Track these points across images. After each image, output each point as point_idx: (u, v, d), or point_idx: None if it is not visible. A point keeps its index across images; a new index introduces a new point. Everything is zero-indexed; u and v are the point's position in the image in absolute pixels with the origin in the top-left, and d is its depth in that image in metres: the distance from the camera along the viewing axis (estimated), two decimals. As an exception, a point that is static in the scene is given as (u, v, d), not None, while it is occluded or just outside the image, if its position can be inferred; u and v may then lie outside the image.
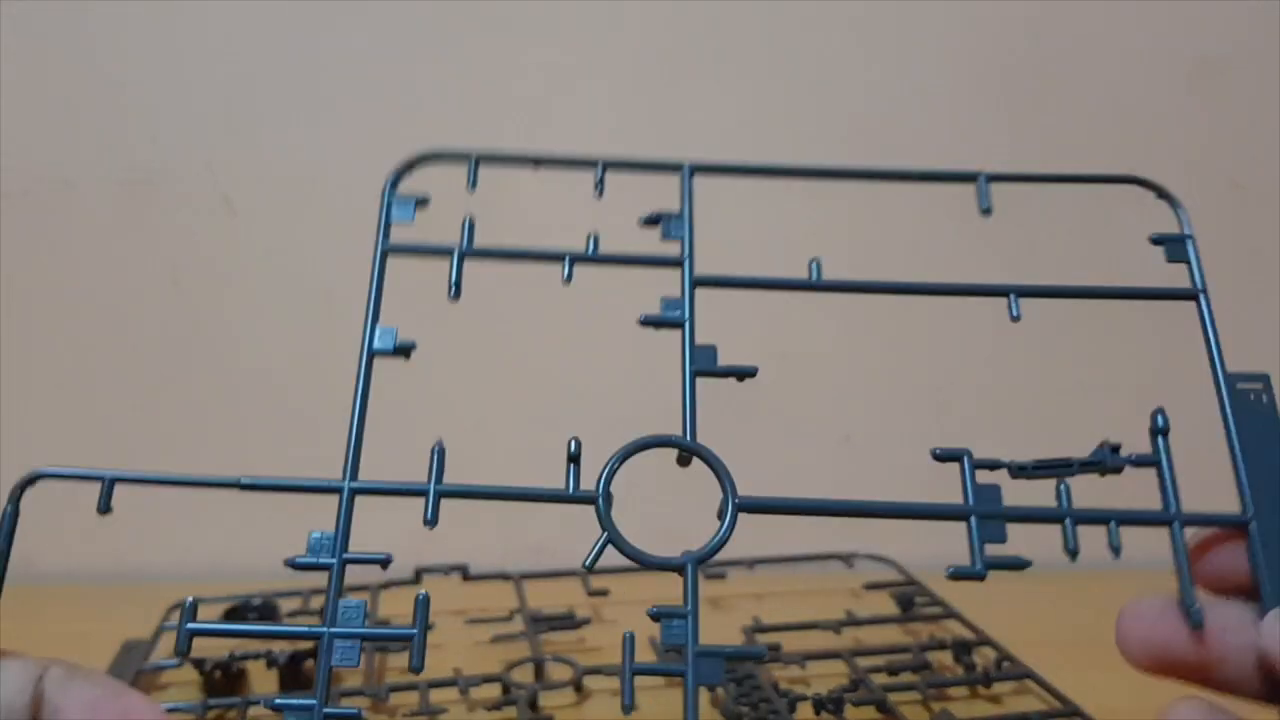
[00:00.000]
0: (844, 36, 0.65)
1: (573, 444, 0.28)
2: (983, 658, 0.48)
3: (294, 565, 0.27)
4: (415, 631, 0.26)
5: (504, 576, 0.56)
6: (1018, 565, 0.27)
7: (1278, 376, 0.30)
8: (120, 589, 0.60)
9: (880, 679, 0.46)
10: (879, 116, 0.65)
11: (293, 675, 0.46)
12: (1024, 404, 0.67)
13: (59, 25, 0.62)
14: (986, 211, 0.32)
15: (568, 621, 0.52)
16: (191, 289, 0.64)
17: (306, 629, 0.26)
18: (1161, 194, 0.32)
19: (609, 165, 0.31)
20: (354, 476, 0.27)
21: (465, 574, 0.56)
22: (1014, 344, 0.67)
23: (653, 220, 0.31)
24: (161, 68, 0.63)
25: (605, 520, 0.27)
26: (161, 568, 0.62)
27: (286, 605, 0.53)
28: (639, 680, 0.46)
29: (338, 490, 0.27)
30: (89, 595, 0.59)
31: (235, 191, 0.64)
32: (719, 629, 0.51)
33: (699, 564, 0.26)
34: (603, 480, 0.27)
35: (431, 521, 0.27)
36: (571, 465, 0.27)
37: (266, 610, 0.53)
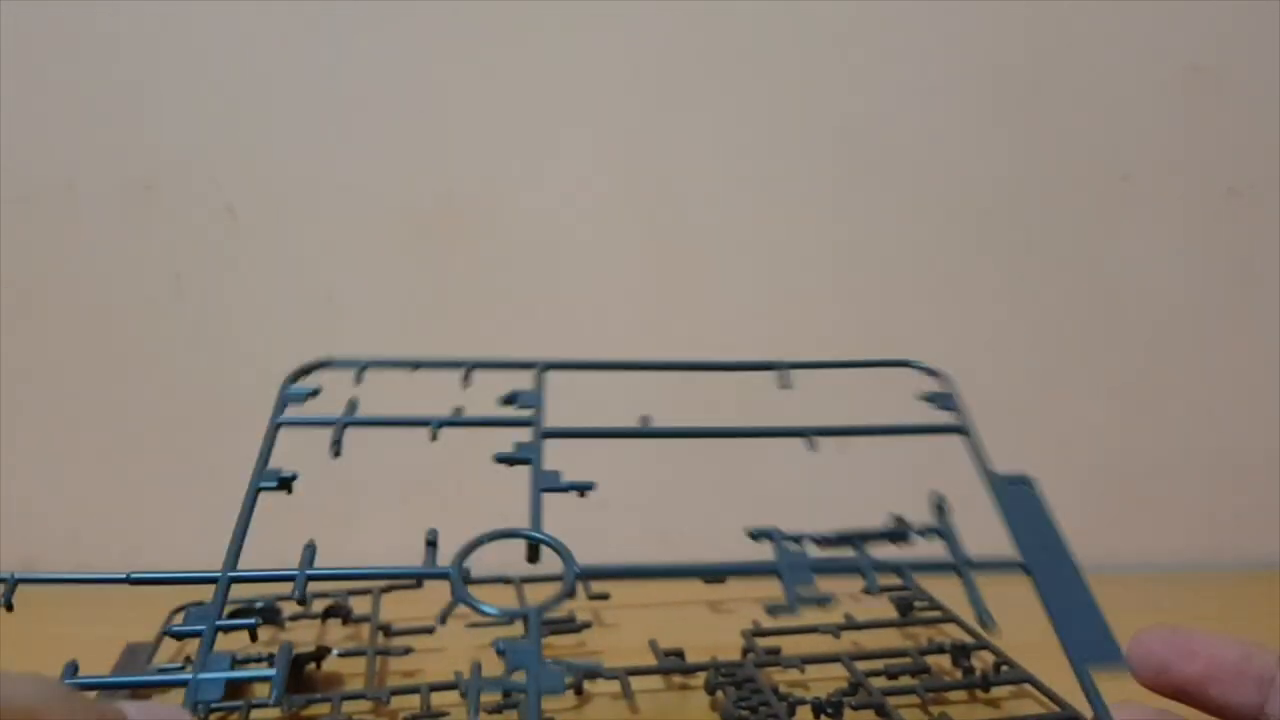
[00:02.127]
0: (836, 39, 0.65)
1: (429, 534, 0.33)
2: (981, 661, 0.48)
3: (171, 634, 0.31)
4: (275, 672, 0.30)
5: (504, 580, 0.56)
6: (823, 601, 0.31)
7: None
8: (122, 591, 0.60)
9: (879, 682, 0.46)
10: (875, 120, 0.65)
11: (295, 680, 0.46)
12: (1019, 411, 0.67)
13: (63, 29, 0.62)
14: (785, 387, 0.39)
15: (568, 625, 0.52)
16: (194, 295, 0.64)
17: (174, 678, 0.30)
18: (929, 372, 0.39)
19: (474, 366, 0.39)
20: (233, 567, 0.32)
21: (466, 578, 0.56)
22: (1012, 356, 0.67)
23: (510, 400, 0.37)
24: (165, 74, 0.63)
25: (459, 590, 0.32)
26: (164, 569, 0.62)
27: (289, 608, 0.54)
28: (639, 683, 0.47)
29: (215, 580, 0.32)
30: (91, 597, 0.59)
31: (238, 199, 0.64)
32: (718, 632, 0.52)
33: (540, 613, 0.30)
34: (456, 561, 0.32)
35: (301, 600, 0.33)
36: (429, 548, 0.33)
37: (269, 613, 0.53)
